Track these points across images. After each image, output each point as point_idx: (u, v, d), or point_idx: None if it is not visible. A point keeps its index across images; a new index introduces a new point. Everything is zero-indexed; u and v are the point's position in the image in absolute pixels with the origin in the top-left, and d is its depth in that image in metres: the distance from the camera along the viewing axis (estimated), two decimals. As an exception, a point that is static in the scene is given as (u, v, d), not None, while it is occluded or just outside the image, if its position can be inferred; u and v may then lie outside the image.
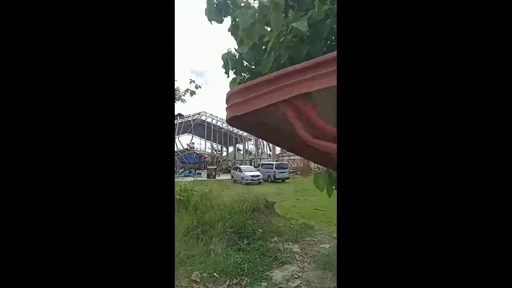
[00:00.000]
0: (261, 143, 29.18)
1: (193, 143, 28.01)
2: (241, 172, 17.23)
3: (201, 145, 31.67)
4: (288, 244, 3.95)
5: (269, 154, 30.50)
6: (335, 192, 2.99)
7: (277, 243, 3.86)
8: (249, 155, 31.77)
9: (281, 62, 2.45)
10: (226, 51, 2.55)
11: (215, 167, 23.50)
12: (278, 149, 30.84)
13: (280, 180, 17.84)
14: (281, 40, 2.31)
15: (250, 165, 23.07)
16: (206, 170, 24.12)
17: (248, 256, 3.43)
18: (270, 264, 3.26)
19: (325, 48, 2.29)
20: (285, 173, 18.22)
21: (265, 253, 3.52)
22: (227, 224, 4.09)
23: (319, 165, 3.38)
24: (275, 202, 5.35)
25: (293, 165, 28.84)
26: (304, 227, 4.89)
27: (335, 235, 4.72)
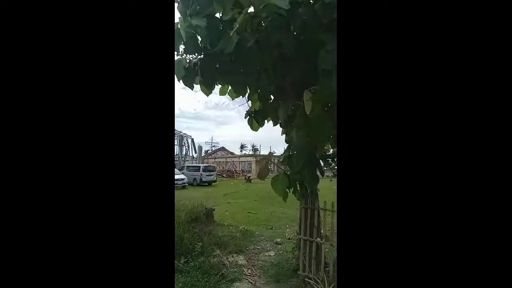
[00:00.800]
0: (186, 143, 27.45)
1: None
2: (164, 175, 15.57)
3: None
4: (233, 257, 3.54)
5: (193, 156, 28.99)
6: (291, 196, 2.85)
7: (220, 257, 3.39)
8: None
9: (248, 46, 2.06)
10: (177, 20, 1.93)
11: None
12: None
13: (207, 184, 17.08)
14: (251, 18, 1.94)
15: (177, 167, 21.25)
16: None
17: (189, 278, 2.83)
18: (217, 285, 2.77)
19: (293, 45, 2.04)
20: (212, 176, 17.57)
21: (209, 271, 3.00)
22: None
23: (280, 168, 3.16)
24: (214, 209, 4.83)
25: (219, 167, 28.41)
26: (245, 234, 4.58)
27: (277, 240, 4.60)
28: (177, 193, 12.36)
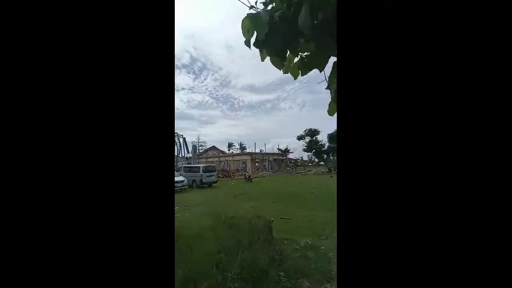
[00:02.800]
0: (178, 142, 25.85)
1: None
2: (161, 177, 14.17)
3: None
4: (327, 288, 2.57)
5: (185, 157, 27.39)
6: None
7: (313, 291, 2.41)
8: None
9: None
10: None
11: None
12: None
13: (206, 185, 15.86)
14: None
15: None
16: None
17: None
18: None
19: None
20: (213, 177, 16.36)
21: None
22: (223, 266, 2.29)
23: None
24: (273, 220, 3.81)
25: (219, 167, 27.09)
26: (312, 250, 3.61)
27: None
28: (181, 197, 11.11)
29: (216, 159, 33.14)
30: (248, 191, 13.01)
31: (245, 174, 21.60)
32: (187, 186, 14.39)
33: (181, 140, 26.38)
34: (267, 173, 29.51)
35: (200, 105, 72.81)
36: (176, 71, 67.82)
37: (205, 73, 73.97)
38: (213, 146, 40.96)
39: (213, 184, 16.34)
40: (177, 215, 6.13)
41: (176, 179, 14.21)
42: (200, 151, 38.68)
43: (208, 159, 32.88)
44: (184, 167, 17.89)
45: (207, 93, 73.18)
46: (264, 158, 32.38)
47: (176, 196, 10.56)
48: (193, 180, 15.64)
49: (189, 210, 7.32)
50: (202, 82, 69.91)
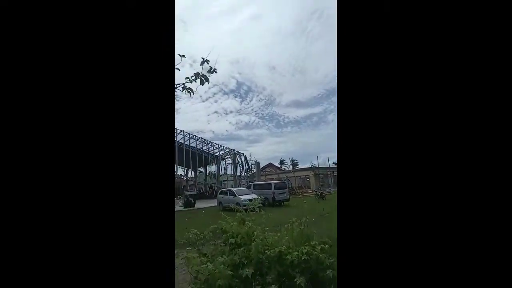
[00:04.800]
0: (239, 161, 25.86)
1: None
2: (234, 196, 13.70)
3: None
4: None
5: (243, 175, 27.10)
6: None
7: None
8: (215, 177, 27.66)
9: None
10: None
11: (195, 193, 19.19)
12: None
13: (277, 203, 14.74)
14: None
15: (234, 187, 19.33)
16: (176, 198, 19.61)
17: None
18: None
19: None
20: (285, 194, 15.24)
21: None
22: None
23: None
24: None
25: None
26: None
27: None
28: (268, 217, 10.19)
29: (275, 175, 32.14)
30: (332, 210, 11.41)
31: (315, 191, 19.86)
32: (261, 205, 13.53)
33: (242, 158, 26.39)
34: (333, 189, 27.02)
35: (247, 126, 74.86)
36: (224, 96, 71.95)
37: (250, 95, 76.71)
38: (270, 163, 40.34)
39: (285, 202, 15.14)
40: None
41: (249, 197, 13.55)
42: (253, 169, 38.45)
43: (267, 176, 32.10)
44: (254, 184, 17.28)
45: (253, 113, 75.21)
46: (328, 173, 29.97)
47: (256, 216, 9.66)
48: (265, 198, 14.75)
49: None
50: (248, 103, 72.55)
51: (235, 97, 76.44)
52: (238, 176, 24.93)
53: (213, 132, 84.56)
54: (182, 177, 26.99)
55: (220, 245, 2.34)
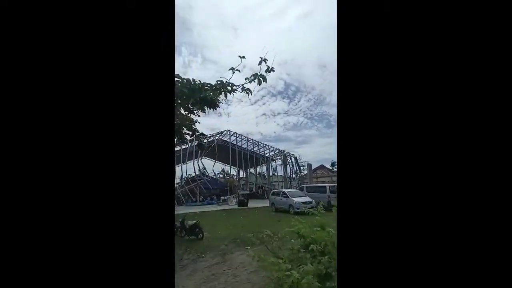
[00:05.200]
0: (290, 162, 25.50)
1: (204, 168, 23.51)
2: (287, 197, 13.45)
3: (211, 168, 27.82)
4: None
5: (293, 178, 26.50)
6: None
7: None
8: (265, 178, 27.67)
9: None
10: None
11: (248, 192, 19.69)
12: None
13: (330, 208, 13.89)
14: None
15: (284, 188, 19.08)
16: (230, 197, 20.34)
17: None
18: None
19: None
20: (341, 198, 14.32)
21: None
22: None
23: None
24: None
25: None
26: None
27: None
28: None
29: (327, 178, 30.66)
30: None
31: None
32: (316, 209, 12.98)
33: (293, 159, 25.97)
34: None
35: (295, 127, 73.13)
36: (272, 98, 71.79)
37: (298, 95, 74.57)
38: (322, 165, 38.73)
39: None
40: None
41: (302, 199, 13.14)
42: (304, 171, 37.33)
43: (319, 179, 30.85)
44: (307, 187, 16.74)
45: (301, 114, 73.03)
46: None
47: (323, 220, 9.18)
48: (319, 202, 14.11)
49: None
50: (296, 104, 70.70)
51: (283, 98, 75.86)
52: (288, 177, 24.57)
53: (261, 133, 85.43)
54: (234, 177, 27.98)
55: (300, 251, 2.19)
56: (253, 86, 2.34)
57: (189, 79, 2.36)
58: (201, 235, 6.97)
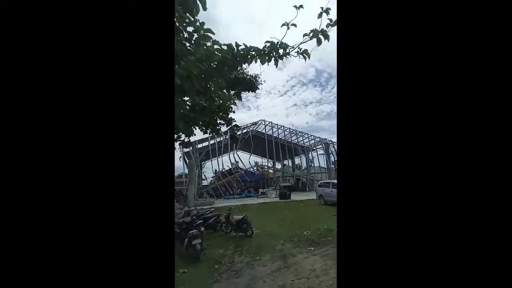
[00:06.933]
0: (332, 150, 23.39)
1: (236, 161, 22.49)
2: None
3: (246, 160, 26.75)
4: None
5: (334, 168, 24.30)
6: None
7: None
8: (301, 169, 25.72)
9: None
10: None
11: (290, 184, 18.40)
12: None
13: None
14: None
15: (328, 179, 17.27)
16: (269, 189, 19.23)
17: None
18: None
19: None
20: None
21: None
22: None
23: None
24: None
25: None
26: None
27: None
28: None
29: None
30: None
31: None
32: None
33: (335, 147, 23.81)
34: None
35: (329, 116, 68.30)
36: (303, 88, 68.25)
37: (332, 82, 69.28)
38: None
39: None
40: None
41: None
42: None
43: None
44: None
45: (336, 101, 68.26)
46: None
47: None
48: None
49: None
50: (329, 92, 65.57)
51: (314, 86, 71.73)
52: (332, 168, 22.52)
53: (293, 125, 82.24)
54: (269, 169, 26.78)
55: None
56: (310, 46, 1.80)
57: (230, 43, 1.92)
58: (250, 231, 5.89)
